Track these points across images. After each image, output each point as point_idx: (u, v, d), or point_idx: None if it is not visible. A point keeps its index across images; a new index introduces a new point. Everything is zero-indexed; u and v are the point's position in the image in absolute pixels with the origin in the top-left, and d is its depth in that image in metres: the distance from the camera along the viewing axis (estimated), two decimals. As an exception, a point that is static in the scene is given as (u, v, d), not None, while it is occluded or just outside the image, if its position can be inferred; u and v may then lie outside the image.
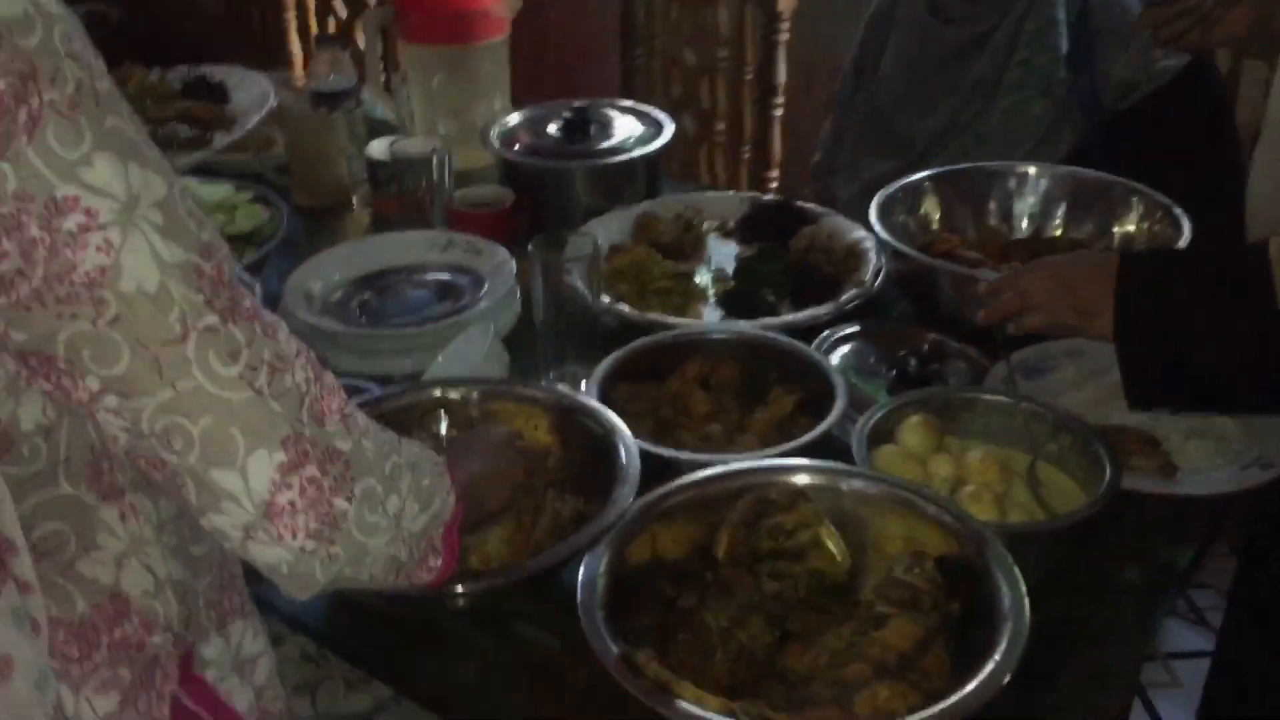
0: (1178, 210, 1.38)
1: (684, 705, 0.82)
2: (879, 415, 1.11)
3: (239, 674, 0.81)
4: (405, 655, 1.00)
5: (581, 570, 0.93)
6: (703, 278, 1.47)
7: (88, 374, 0.62)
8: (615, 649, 0.86)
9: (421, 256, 1.46)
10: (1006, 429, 1.13)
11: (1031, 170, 1.51)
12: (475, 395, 1.12)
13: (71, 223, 0.59)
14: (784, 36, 2.07)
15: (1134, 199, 1.43)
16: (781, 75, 2.10)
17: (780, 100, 2.12)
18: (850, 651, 0.90)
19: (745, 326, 1.31)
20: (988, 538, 0.94)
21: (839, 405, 1.13)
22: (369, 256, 1.45)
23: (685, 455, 1.08)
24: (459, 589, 0.94)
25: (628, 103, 1.75)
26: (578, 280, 1.26)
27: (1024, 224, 1.53)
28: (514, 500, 0.97)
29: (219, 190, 1.56)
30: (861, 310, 1.38)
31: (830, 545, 0.98)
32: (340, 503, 0.70)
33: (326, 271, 1.41)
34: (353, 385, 1.21)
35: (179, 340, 0.62)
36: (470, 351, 1.25)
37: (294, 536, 0.69)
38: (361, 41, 1.92)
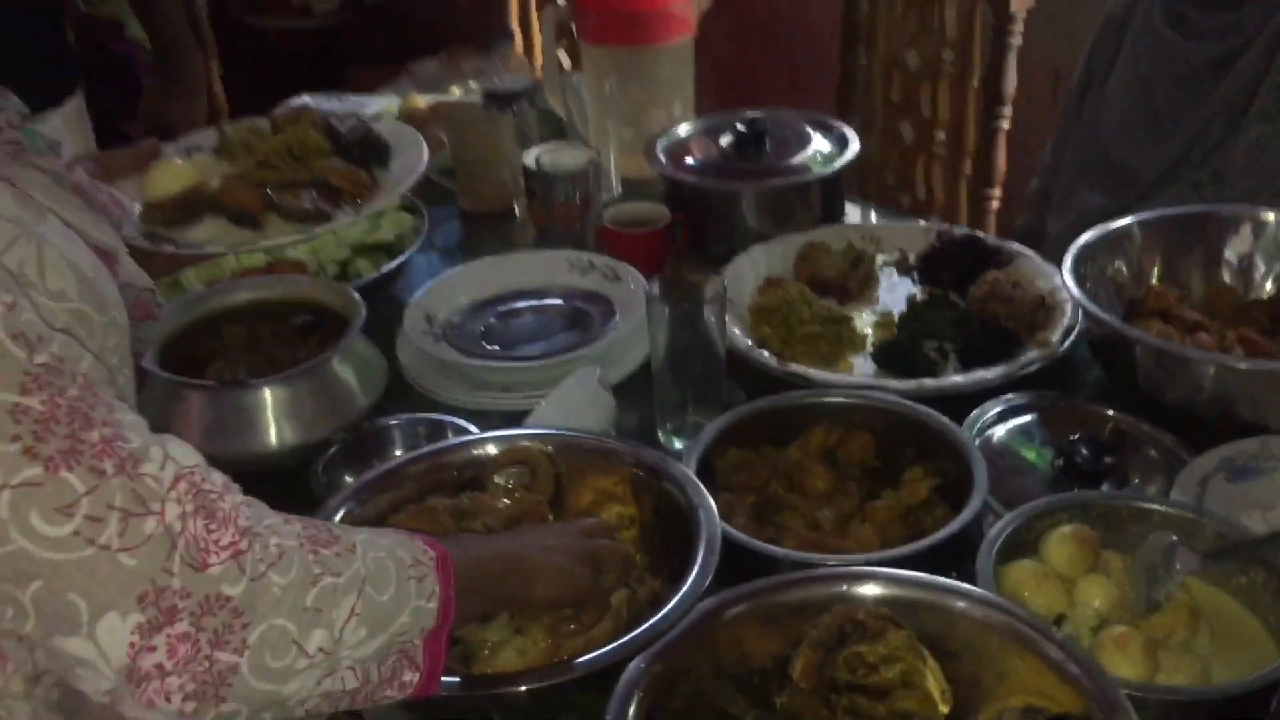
0: None
1: None
2: (1019, 522, 0.93)
3: None
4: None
5: (621, 681, 0.80)
6: (864, 322, 1.30)
7: None
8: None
9: (557, 279, 1.35)
10: (1187, 551, 0.92)
11: (1274, 216, 1.25)
12: (551, 449, 1.00)
13: None
14: (1016, 40, 1.84)
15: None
16: (1011, 83, 1.87)
17: (1008, 111, 1.88)
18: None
19: (894, 387, 1.13)
20: (1119, 703, 0.75)
21: (975, 501, 0.95)
22: (501, 277, 1.36)
23: (778, 551, 0.93)
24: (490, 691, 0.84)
25: (812, 114, 1.58)
26: (707, 320, 1.13)
27: (1267, 282, 1.27)
28: (571, 597, 0.86)
29: (368, 194, 1.50)
30: (1044, 378, 1.18)
31: (930, 685, 0.81)
32: (225, 656, 0.61)
33: (453, 292, 1.33)
34: (448, 424, 1.13)
35: None
36: (579, 394, 1.14)
37: (168, 701, 0.60)
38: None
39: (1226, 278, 1.28)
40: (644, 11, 1.59)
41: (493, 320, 1.31)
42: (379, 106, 1.83)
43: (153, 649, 0.59)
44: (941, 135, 2.03)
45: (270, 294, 1.23)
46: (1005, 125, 1.91)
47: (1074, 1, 1.90)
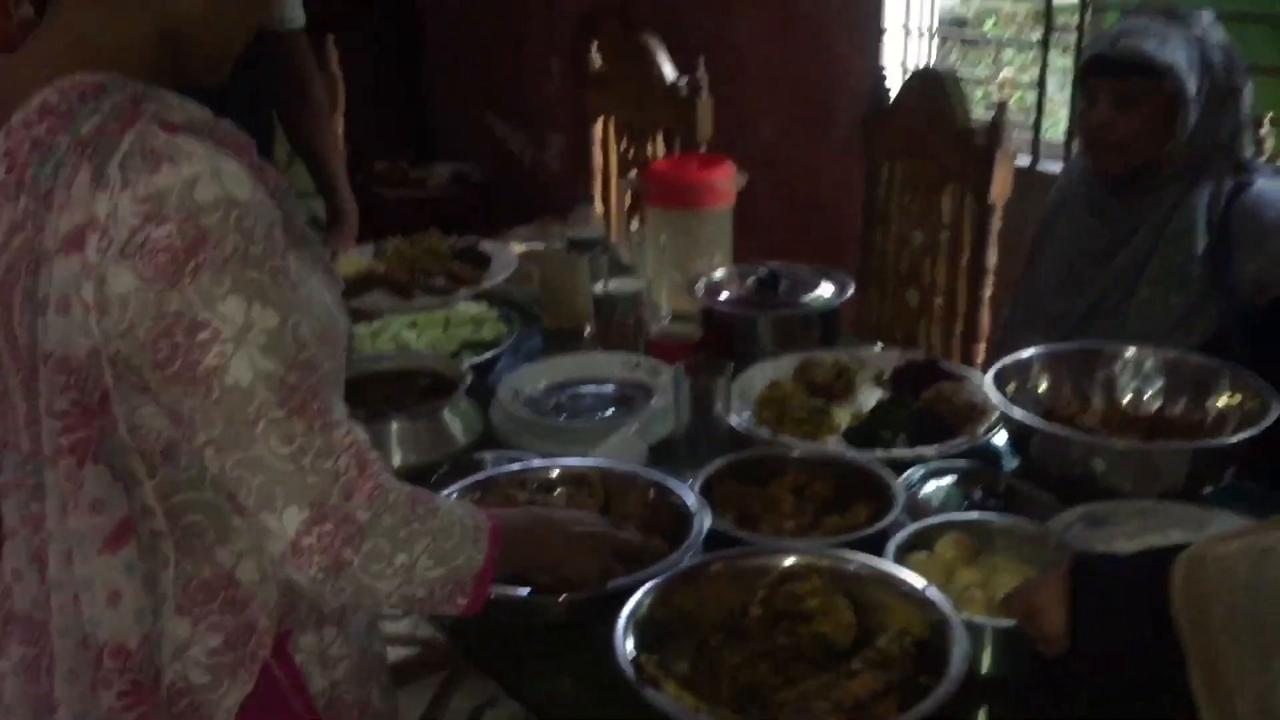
0: (1266, 389, 1.50)
1: (657, 695, 1.07)
2: (919, 528, 1.32)
3: (321, 664, 1.09)
4: (520, 664, 1.29)
5: (631, 601, 1.20)
6: (841, 415, 1.71)
7: (197, 431, 0.94)
8: (631, 654, 1.13)
9: (613, 373, 1.80)
10: (1037, 557, 1.30)
11: (1131, 352, 1.67)
12: (598, 474, 1.43)
13: (203, 334, 0.91)
14: (996, 224, 2.29)
15: (1226, 378, 1.56)
16: (992, 259, 2.31)
17: (991, 281, 2.32)
18: (821, 693, 1.12)
19: (851, 455, 1.54)
20: (949, 620, 1.14)
21: (894, 513, 1.35)
22: (573, 368, 1.81)
23: (746, 535, 1.33)
24: (537, 600, 1.24)
25: (822, 268, 2.03)
26: (717, 400, 1.56)
27: (1153, 403, 1.67)
28: (592, 577, 1.23)
29: (476, 308, 1.98)
30: (973, 457, 1.57)
31: (840, 613, 1.20)
32: (347, 553, 0.96)
33: (536, 376, 1.78)
34: (516, 456, 1.55)
35: (253, 422, 0.93)
36: (621, 447, 1.56)
37: (309, 570, 0.97)
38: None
39: (1122, 399, 1.68)
40: (693, 184, 2.08)
41: (563, 397, 1.75)
42: (483, 250, 2.32)
43: (309, 535, 0.95)
44: (939, 300, 2.46)
45: (403, 364, 1.70)
46: (989, 292, 2.34)
47: (1040, 193, 2.35)
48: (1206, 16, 1.83)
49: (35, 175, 0.91)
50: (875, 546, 1.30)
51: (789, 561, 1.24)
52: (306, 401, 0.95)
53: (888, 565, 1.22)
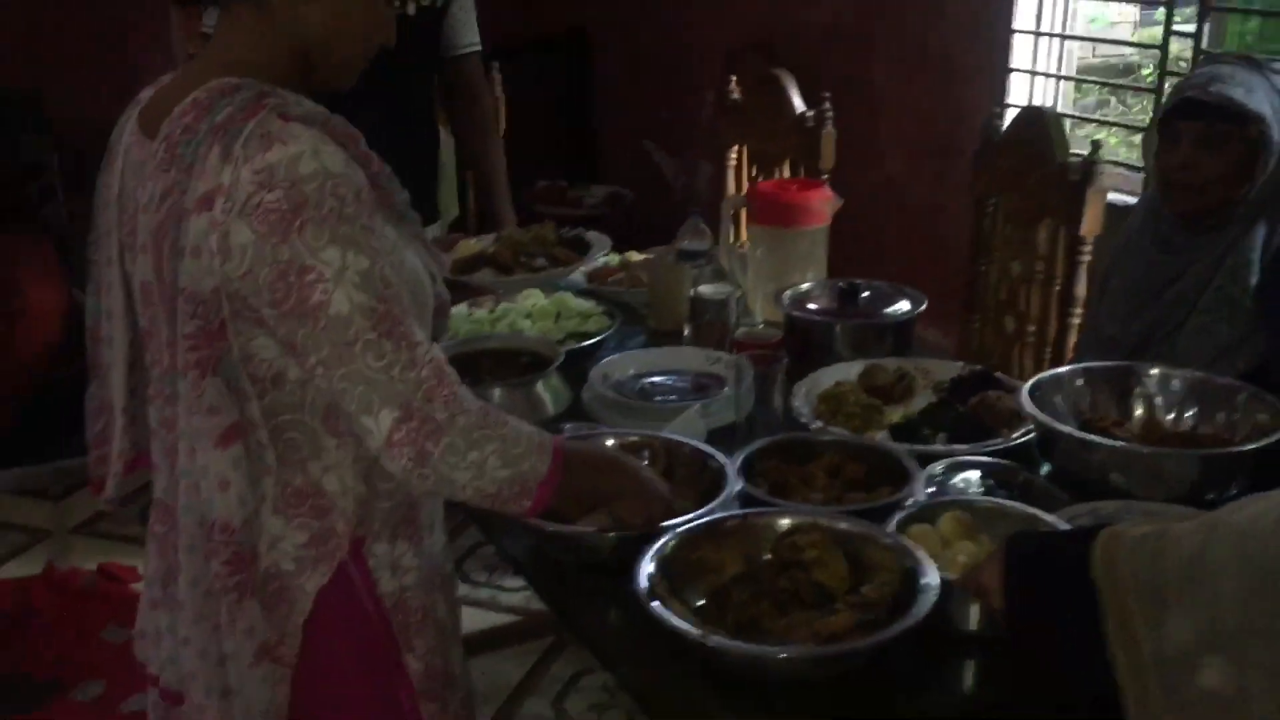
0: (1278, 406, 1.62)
1: (667, 611, 1.29)
2: (925, 503, 1.50)
3: (391, 570, 1.33)
4: (572, 596, 1.51)
5: (658, 542, 1.42)
6: (893, 414, 1.89)
7: (309, 354, 1.19)
8: (646, 582, 1.34)
9: (695, 365, 2.01)
10: (1031, 538, 1.46)
11: (1154, 372, 1.80)
12: (659, 443, 1.65)
13: (310, 276, 1.16)
14: (1086, 257, 2.41)
15: (1244, 395, 1.70)
16: (1082, 289, 2.43)
17: (1079, 311, 2.44)
18: (804, 624, 1.31)
19: (889, 444, 1.72)
20: (921, 569, 1.32)
21: (905, 490, 1.53)
22: (660, 359, 2.03)
23: (770, 498, 1.53)
24: (586, 537, 1.47)
25: (900, 286, 2.21)
26: (773, 390, 1.77)
27: (1191, 423, 1.78)
28: (643, 518, 1.43)
29: (586, 304, 2.23)
30: (1006, 458, 1.73)
31: (836, 563, 1.38)
32: (429, 446, 1.20)
33: (625, 364, 2.01)
34: (592, 427, 1.78)
35: (352, 343, 1.17)
36: (685, 424, 1.78)
37: (400, 460, 1.21)
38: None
39: (1160, 415, 1.80)
40: (790, 204, 2.29)
41: (645, 383, 1.98)
42: (606, 260, 2.57)
43: (399, 431, 1.19)
44: (1032, 327, 2.59)
45: (508, 344, 1.97)
46: (1076, 321, 2.46)
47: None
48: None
49: (182, 152, 1.19)
50: (887, 519, 1.49)
51: (794, 520, 1.44)
52: (393, 326, 1.19)
53: (874, 526, 1.41)
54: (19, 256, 3.70)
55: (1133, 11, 3.38)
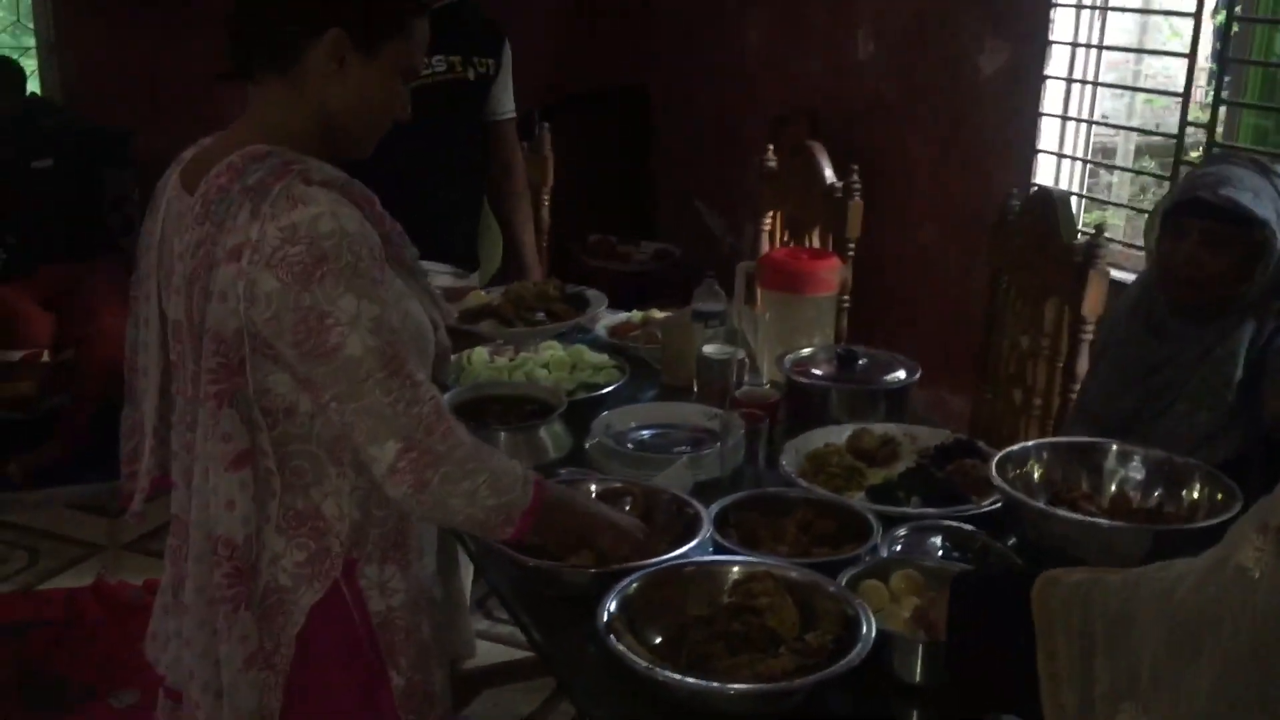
0: (1233, 488, 1.70)
1: (620, 645, 1.41)
2: (879, 561, 1.60)
3: (380, 591, 1.47)
4: (551, 630, 1.62)
5: (623, 581, 1.54)
6: (875, 477, 1.99)
7: (325, 390, 1.35)
8: (606, 618, 1.46)
9: (695, 420, 2.14)
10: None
11: (1115, 449, 1.88)
12: (638, 489, 1.78)
13: (329, 321, 1.31)
14: (1087, 336, 2.49)
15: (1200, 475, 1.78)
16: (1083, 366, 2.51)
17: (1078, 386, 2.53)
18: (749, 665, 1.42)
19: (860, 503, 1.83)
20: (862, 621, 1.43)
21: (865, 548, 1.64)
22: (661, 413, 2.17)
23: (738, 549, 1.65)
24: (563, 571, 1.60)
25: (898, 355, 2.32)
26: (758, 447, 1.89)
27: (1154, 501, 1.86)
28: (622, 554, 1.58)
29: (600, 357, 2.38)
30: (975, 524, 1.82)
31: (786, 611, 1.49)
32: (428, 475, 1.36)
33: (630, 415, 2.15)
34: (587, 473, 1.91)
35: (364, 381, 1.33)
36: (673, 475, 1.90)
37: (402, 486, 1.36)
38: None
39: (1132, 493, 1.88)
40: (800, 273, 2.41)
41: (644, 435, 2.11)
42: (629, 315, 2.71)
43: (402, 460, 1.35)
44: (1038, 401, 2.68)
45: (517, 391, 2.12)
46: (1074, 395, 2.54)
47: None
48: None
49: (215, 208, 1.36)
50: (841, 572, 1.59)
51: (750, 568, 1.55)
52: (399, 367, 1.36)
53: (822, 577, 1.52)
54: (96, 283, 3.95)
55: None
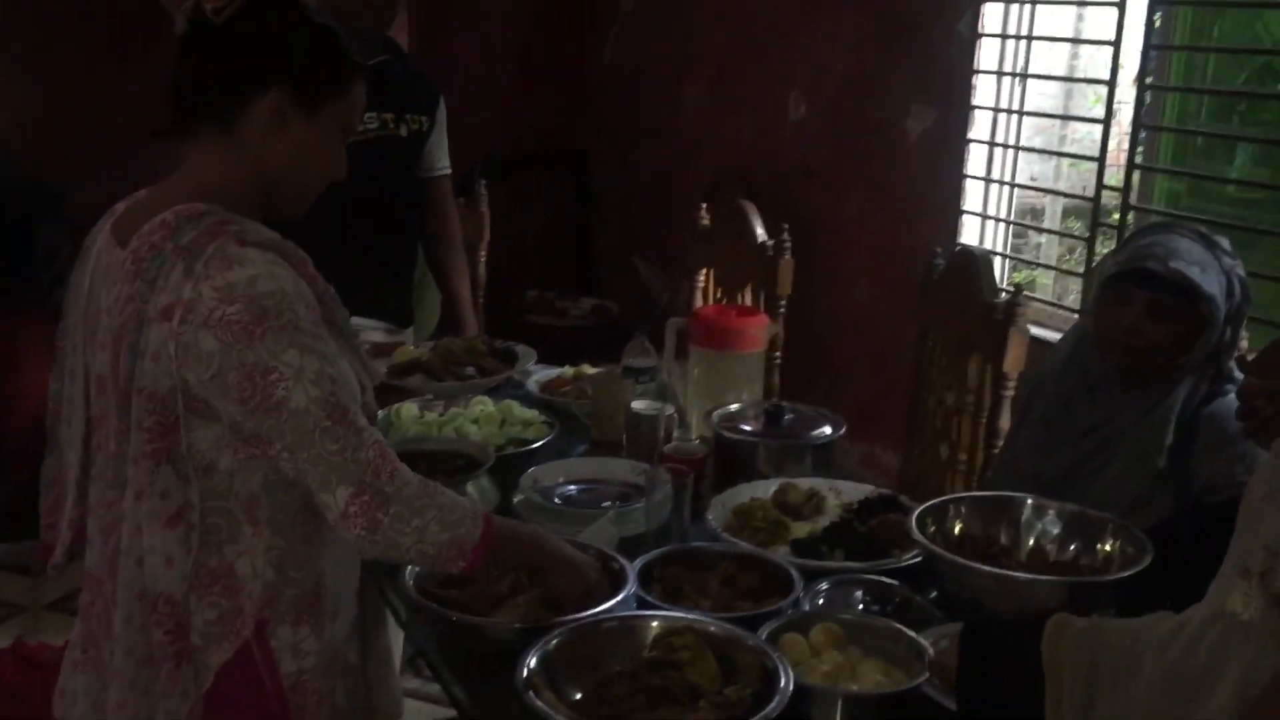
0: (1143, 541, 1.74)
1: (539, 701, 1.41)
2: (799, 615, 1.62)
3: (292, 653, 1.46)
4: (475, 688, 1.62)
5: (544, 639, 1.54)
6: (800, 530, 2.01)
7: (274, 442, 1.36)
8: (525, 673, 1.46)
9: (621, 476, 2.15)
10: (894, 651, 1.58)
11: (1031, 503, 1.91)
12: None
13: (273, 377, 1.33)
14: (1009, 392, 2.55)
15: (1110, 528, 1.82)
16: (1005, 422, 2.56)
17: (1000, 441, 2.57)
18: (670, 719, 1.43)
19: (785, 557, 1.84)
20: (781, 674, 1.44)
21: (786, 602, 1.66)
22: (589, 468, 2.18)
23: (660, 603, 1.66)
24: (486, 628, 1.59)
25: (823, 410, 2.35)
26: (682, 502, 1.91)
27: (1071, 554, 1.89)
28: (576, 592, 1.60)
29: (530, 413, 2.39)
30: (896, 577, 1.84)
31: (707, 664, 1.50)
32: (379, 516, 1.38)
33: (558, 470, 2.16)
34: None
35: (311, 431, 1.35)
36: (598, 531, 1.91)
37: (355, 529, 1.38)
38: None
39: (1048, 546, 1.92)
40: (729, 329, 2.45)
41: (571, 490, 2.12)
42: (561, 371, 2.72)
43: (354, 504, 1.36)
44: (963, 456, 2.72)
45: (445, 446, 2.12)
46: (996, 451, 2.59)
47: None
48: (1227, 243, 2.03)
49: (147, 266, 1.36)
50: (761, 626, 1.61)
51: (670, 622, 1.56)
52: (343, 415, 1.38)
53: (742, 631, 1.53)
54: (21, 338, 3.89)
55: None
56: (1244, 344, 2.19)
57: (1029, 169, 3.53)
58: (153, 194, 1.48)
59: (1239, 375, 2.04)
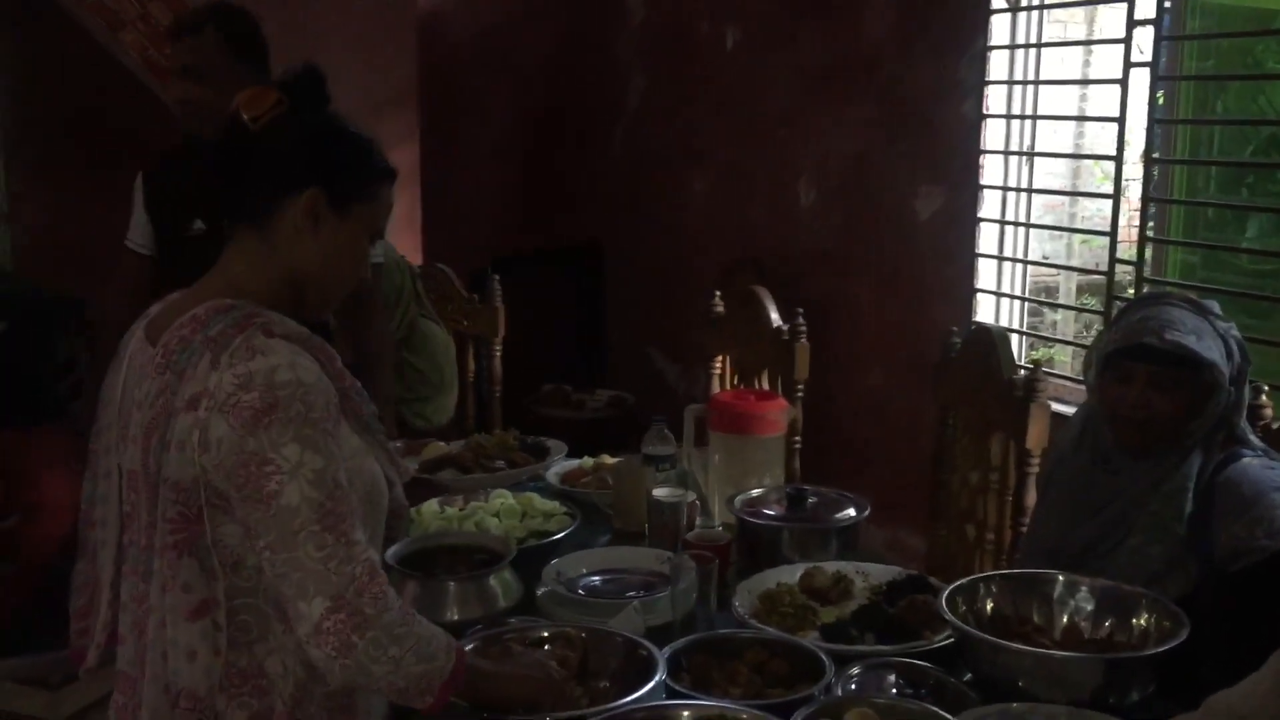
0: (1179, 616, 1.70)
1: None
2: (831, 700, 1.58)
3: None
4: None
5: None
6: (829, 615, 1.98)
7: (259, 537, 1.34)
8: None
9: (646, 564, 2.13)
10: (931, 737, 1.54)
11: (1063, 579, 1.88)
12: (584, 635, 1.76)
13: (269, 468, 1.32)
14: (1033, 469, 2.52)
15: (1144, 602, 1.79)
16: (1030, 499, 2.53)
17: (1026, 519, 2.54)
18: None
19: (814, 642, 1.81)
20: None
21: (818, 687, 1.62)
22: (613, 558, 2.16)
23: (685, 688, 1.63)
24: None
25: (847, 493, 2.33)
26: (709, 589, 1.88)
27: (1105, 631, 1.86)
28: (539, 695, 1.55)
29: (550, 504, 2.37)
30: (928, 660, 1.80)
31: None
32: (354, 638, 1.33)
33: (581, 561, 2.13)
34: (536, 622, 1.88)
35: (297, 532, 1.32)
36: (625, 620, 1.88)
37: (325, 648, 1.33)
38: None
39: (1082, 624, 1.88)
40: (747, 414, 2.44)
41: (595, 581, 2.09)
42: (581, 462, 2.71)
43: (329, 620, 1.32)
44: (990, 535, 2.68)
45: (466, 540, 2.10)
46: (1024, 529, 2.56)
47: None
48: (1217, 307, 2.04)
49: (176, 359, 1.37)
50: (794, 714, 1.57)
51: (700, 710, 1.53)
52: (336, 523, 1.35)
53: (774, 718, 1.49)
54: (40, 451, 3.89)
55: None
56: (1268, 412, 2.18)
57: (1041, 248, 3.55)
58: (185, 295, 1.50)
59: (1252, 437, 2.02)
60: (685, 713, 1.55)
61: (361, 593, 1.34)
